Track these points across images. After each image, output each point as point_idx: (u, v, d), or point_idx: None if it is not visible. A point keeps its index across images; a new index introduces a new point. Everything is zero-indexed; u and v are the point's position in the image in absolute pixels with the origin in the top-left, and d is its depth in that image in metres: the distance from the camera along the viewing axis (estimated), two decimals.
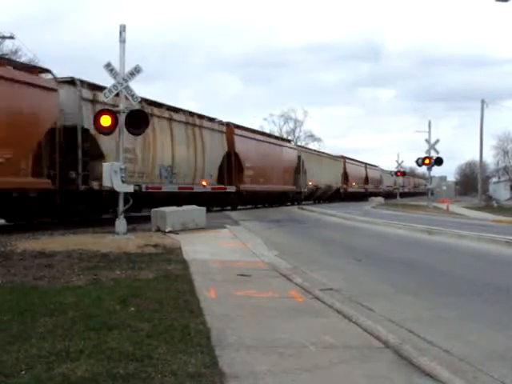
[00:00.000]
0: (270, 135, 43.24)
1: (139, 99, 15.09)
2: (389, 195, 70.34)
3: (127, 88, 14.42)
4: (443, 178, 55.26)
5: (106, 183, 14.38)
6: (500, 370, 4.64)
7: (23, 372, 4.06)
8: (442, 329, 6.08)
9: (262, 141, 36.02)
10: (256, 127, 42.83)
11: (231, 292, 7.45)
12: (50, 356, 4.39)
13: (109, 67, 14.35)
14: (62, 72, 18.07)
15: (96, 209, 19.74)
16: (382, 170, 77.19)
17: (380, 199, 56.39)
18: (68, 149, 17.56)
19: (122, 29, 14.42)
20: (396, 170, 65.57)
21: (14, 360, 4.29)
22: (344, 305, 6.78)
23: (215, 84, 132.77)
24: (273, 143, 38.16)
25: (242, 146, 31.73)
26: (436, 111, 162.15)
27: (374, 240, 16.90)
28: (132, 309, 6.11)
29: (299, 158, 42.35)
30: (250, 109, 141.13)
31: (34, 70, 17.72)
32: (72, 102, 18.03)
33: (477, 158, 59.65)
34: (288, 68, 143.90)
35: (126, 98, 14.55)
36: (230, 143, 30.36)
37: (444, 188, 54.46)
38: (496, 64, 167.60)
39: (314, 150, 52.59)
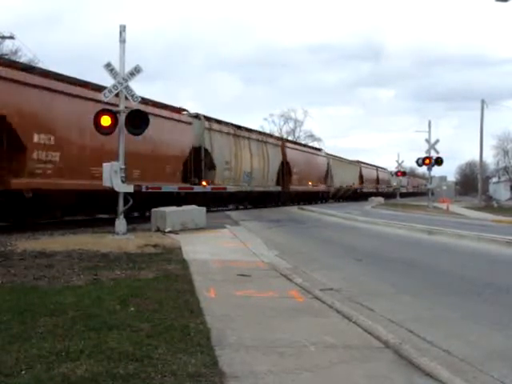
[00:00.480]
0: (309, 146, 52.97)
1: (139, 99, 15.09)
2: (390, 195, 71.44)
3: (127, 88, 14.43)
4: (443, 178, 55.16)
5: (106, 183, 14.38)
6: (500, 370, 4.64)
7: (23, 372, 4.06)
8: (442, 329, 6.08)
9: (304, 151, 45.57)
10: (256, 127, 43.74)
11: (231, 292, 7.45)
12: (50, 356, 4.39)
13: (109, 67, 14.36)
14: (61, 72, 18.02)
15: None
16: (390, 172, 77.98)
17: (380, 199, 56.45)
18: (195, 162, 26.24)
19: (122, 29, 14.43)
20: (396, 170, 65.77)
21: (14, 360, 4.29)
22: (344, 305, 6.78)
23: (215, 84, 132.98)
24: (311, 153, 48.05)
25: (291, 156, 40.26)
26: (436, 111, 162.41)
27: (374, 240, 16.90)
28: (132, 309, 6.11)
29: (328, 163, 51.19)
30: (250, 109, 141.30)
31: (179, 110, 25.51)
32: (198, 130, 26.89)
33: (477, 158, 59.77)
34: (288, 68, 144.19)
35: (126, 98, 14.56)
36: (284, 154, 39.25)
37: (444, 188, 54.40)
38: (496, 64, 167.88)
39: (338, 157, 58.80)
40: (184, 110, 26.25)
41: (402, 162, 68.74)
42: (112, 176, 14.15)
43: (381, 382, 4.21)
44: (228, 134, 30.53)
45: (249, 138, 33.36)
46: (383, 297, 7.87)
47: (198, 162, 26.39)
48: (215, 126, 28.74)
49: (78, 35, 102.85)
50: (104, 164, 14.63)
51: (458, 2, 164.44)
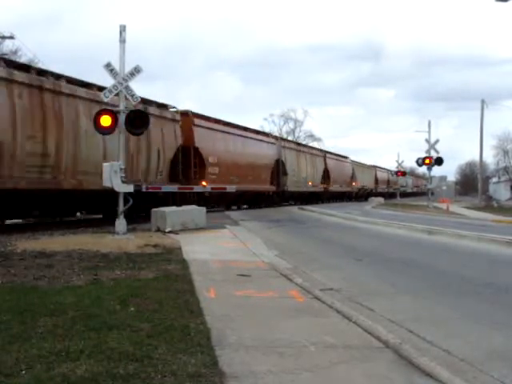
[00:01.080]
0: (340, 155, 59.43)
1: (139, 99, 15.10)
2: (390, 195, 72.53)
3: (127, 88, 14.43)
4: (443, 178, 55.16)
5: (106, 183, 14.38)
6: (500, 370, 4.64)
7: (23, 372, 4.06)
8: (441, 329, 6.08)
9: (337, 160, 56.20)
10: (256, 127, 44.47)
11: (231, 292, 7.45)
12: (50, 356, 4.39)
13: (109, 67, 14.36)
14: (62, 72, 18.07)
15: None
16: (391, 172, 79.30)
17: (380, 199, 56.50)
18: (277, 171, 37.28)
19: (122, 29, 14.43)
20: (396, 170, 65.93)
21: (14, 360, 4.29)
22: (344, 305, 6.78)
23: (215, 84, 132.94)
24: (341, 160, 57.99)
25: (329, 164, 51.96)
26: (436, 111, 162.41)
27: (374, 240, 16.90)
28: (132, 309, 6.11)
29: (353, 169, 61.82)
30: (250, 109, 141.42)
31: (267, 134, 33.66)
32: (278, 148, 38.71)
33: (477, 158, 59.75)
34: (288, 68, 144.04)
35: (126, 98, 14.57)
36: (325, 163, 51.32)
37: (444, 188, 54.43)
38: (496, 64, 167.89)
39: (360, 163, 68.93)
40: (269, 134, 41.11)
41: (402, 162, 69.11)
42: (112, 176, 14.15)
43: (381, 382, 4.21)
44: (293, 149, 43.05)
45: (304, 152, 45.70)
46: (383, 297, 7.87)
47: (278, 170, 37.94)
48: (286, 144, 42.86)
49: (78, 35, 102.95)
50: (104, 164, 14.64)
51: (458, 2, 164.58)
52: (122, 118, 14.39)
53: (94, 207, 20.83)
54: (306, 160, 45.55)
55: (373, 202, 52.66)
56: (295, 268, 10.16)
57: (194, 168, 26.44)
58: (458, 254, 13.61)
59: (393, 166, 73.04)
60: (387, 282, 9.16)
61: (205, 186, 26.23)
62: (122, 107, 14.48)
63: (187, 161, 25.72)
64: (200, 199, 25.59)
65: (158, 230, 16.17)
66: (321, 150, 54.59)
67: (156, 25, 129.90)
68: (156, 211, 16.92)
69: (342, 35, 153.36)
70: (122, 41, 14.41)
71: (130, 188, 14.89)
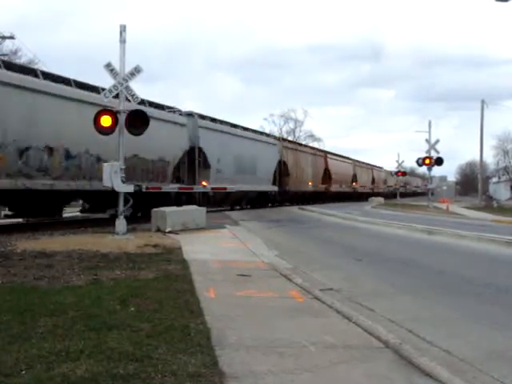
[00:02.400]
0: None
1: (139, 99, 15.10)
2: (391, 195, 72.69)
3: (127, 88, 14.43)
4: (443, 178, 55.33)
5: (106, 183, 14.38)
6: (500, 370, 4.64)
7: (23, 372, 4.06)
8: (441, 329, 6.08)
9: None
10: (256, 127, 44.82)
11: (231, 292, 7.45)
12: (50, 356, 4.39)
13: (109, 67, 14.37)
14: (62, 72, 18.08)
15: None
16: (391, 172, 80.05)
17: (380, 199, 56.45)
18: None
19: (123, 29, 14.43)
20: (396, 170, 65.99)
21: (14, 360, 4.29)
22: (344, 305, 6.78)
23: (216, 84, 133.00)
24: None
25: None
26: (436, 111, 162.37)
27: (374, 240, 16.90)
28: (132, 309, 6.11)
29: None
30: (251, 109, 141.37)
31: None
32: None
33: (477, 158, 59.81)
34: (288, 68, 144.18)
35: (127, 99, 14.56)
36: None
37: (444, 188, 54.49)
38: (496, 64, 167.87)
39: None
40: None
41: (402, 162, 69.08)
42: (112, 176, 14.16)
43: (381, 382, 4.21)
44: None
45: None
46: (383, 297, 7.87)
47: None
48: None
49: (78, 35, 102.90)
50: (104, 164, 14.65)
51: (458, 2, 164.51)
52: (122, 118, 14.40)
53: None
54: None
55: (373, 201, 52.64)
56: (295, 268, 10.16)
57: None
58: (457, 254, 13.61)
59: (393, 166, 73.27)
60: (387, 282, 9.16)
61: (205, 185, 26.24)
62: (122, 107, 14.49)
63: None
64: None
65: (158, 230, 16.16)
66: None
67: (156, 25, 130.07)
68: (156, 211, 16.92)
69: (342, 35, 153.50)
70: (122, 41, 14.41)
71: (130, 188, 14.90)
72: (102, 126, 14.25)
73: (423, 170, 57.16)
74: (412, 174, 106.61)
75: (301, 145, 51.13)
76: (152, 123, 15.91)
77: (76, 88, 18.26)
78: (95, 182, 17.57)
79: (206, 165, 26.96)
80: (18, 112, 15.41)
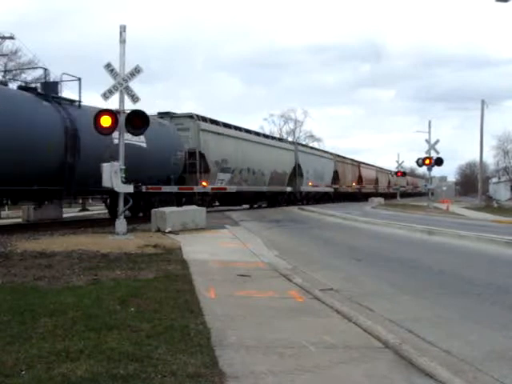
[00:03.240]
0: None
1: (139, 99, 15.09)
2: (391, 196, 73.36)
3: (127, 88, 14.43)
4: (443, 179, 55.26)
5: (107, 184, 14.38)
6: (500, 370, 4.64)
7: (23, 372, 4.06)
8: (441, 329, 6.08)
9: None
10: (256, 128, 46.08)
11: (231, 292, 7.45)
12: (49, 356, 4.39)
13: (109, 67, 14.37)
14: (60, 72, 18.10)
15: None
16: (390, 173, 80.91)
17: (380, 199, 56.46)
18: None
19: (122, 29, 14.44)
20: (396, 170, 66.13)
21: (14, 360, 4.29)
22: (344, 305, 6.78)
23: (216, 85, 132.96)
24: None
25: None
26: (436, 111, 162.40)
27: (374, 240, 16.90)
28: (132, 309, 6.11)
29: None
30: (251, 109, 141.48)
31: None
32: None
33: (477, 158, 59.81)
34: (288, 69, 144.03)
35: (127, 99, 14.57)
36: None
37: (444, 188, 54.46)
38: (496, 64, 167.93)
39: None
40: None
41: (402, 162, 69.29)
42: (112, 176, 14.15)
43: (381, 382, 4.21)
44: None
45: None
46: (383, 297, 7.87)
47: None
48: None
49: (78, 35, 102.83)
50: (104, 164, 14.64)
51: (458, 2, 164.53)
52: (122, 118, 14.40)
53: None
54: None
55: (373, 202, 52.61)
56: (295, 268, 10.16)
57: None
58: (458, 254, 13.61)
59: (393, 166, 73.59)
60: (387, 282, 9.16)
61: (205, 186, 26.30)
62: (121, 107, 14.49)
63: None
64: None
65: (158, 230, 16.17)
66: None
67: (156, 25, 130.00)
68: (156, 211, 16.92)
69: (342, 35, 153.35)
70: (122, 41, 14.41)
71: (130, 188, 14.90)
72: (102, 126, 14.26)
73: (423, 170, 57.24)
74: (412, 174, 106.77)
75: (345, 158, 61.22)
76: (279, 151, 38.75)
77: (254, 135, 35.64)
78: (263, 187, 35.07)
79: (302, 175, 43.15)
80: (237, 151, 30.32)
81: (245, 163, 31.93)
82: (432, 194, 45.78)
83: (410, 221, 23.50)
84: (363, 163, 68.20)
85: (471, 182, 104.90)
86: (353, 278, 9.52)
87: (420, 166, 44.68)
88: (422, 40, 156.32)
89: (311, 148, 56.10)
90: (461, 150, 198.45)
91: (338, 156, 58.02)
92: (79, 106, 18.48)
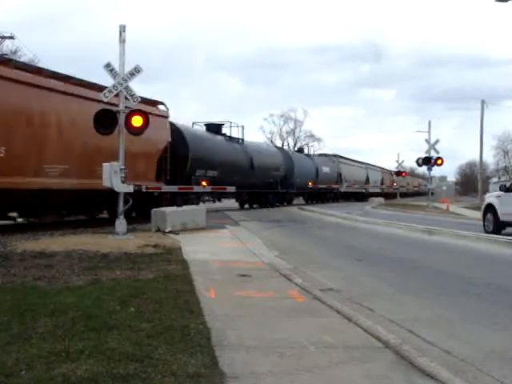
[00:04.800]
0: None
1: (139, 99, 15.10)
2: (391, 196, 73.73)
3: (127, 88, 14.43)
4: (443, 178, 55.21)
5: (106, 184, 14.38)
6: (500, 370, 4.64)
7: (23, 372, 4.06)
8: (442, 329, 6.08)
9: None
10: (256, 127, 46.21)
11: (231, 292, 7.45)
12: (49, 356, 4.39)
13: (108, 67, 14.37)
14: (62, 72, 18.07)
15: None
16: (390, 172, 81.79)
17: (380, 199, 56.47)
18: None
19: (122, 29, 14.43)
20: (396, 170, 66.17)
21: (14, 360, 4.29)
22: (344, 305, 6.78)
23: (216, 85, 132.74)
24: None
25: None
26: (436, 111, 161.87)
27: (374, 240, 16.90)
28: (132, 309, 6.11)
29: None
30: (251, 109, 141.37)
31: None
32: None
33: (477, 158, 59.76)
34: (288, 69, 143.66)
35: (126, 98, 14.56)
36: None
37: (444, 188, 54.41)
38: (496, 64, 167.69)
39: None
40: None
41: (402, 162, 69.29)
42: (112, 176, 14.15)
43: (381, 383, 4.21)
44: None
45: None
46: (383, 297, 7.86)
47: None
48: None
49: (78, 35, 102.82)
50: (104, 164, 14.64)
51: (458, 2, 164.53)
52: (121, 117, 14.40)
53: None
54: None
55: (373, 202, 52.57)
56: (295, 268, 10.15)
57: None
58: (457, 254, 13.61)
59: (393, 166, 73.73)
60: (387, 282, 9.16)
61: (205, 186, 26.29)
62: (121, 107, 14.49)
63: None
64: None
65: (158, 230, 16.16)
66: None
67: (156, 25, 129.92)
68: (156, 211, 16.92)
69: (342, 36, 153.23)
70: (122, 41, 14.41)
71: (130, 188, 14.90)
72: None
73: (423, 170, 57.24)
74: (412, 174, 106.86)
75: (354, 160, 65.09)
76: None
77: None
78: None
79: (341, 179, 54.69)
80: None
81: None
82: (432, 193, 45.78)
83: (410, 221, 23.50)
84: (370, 165, 71.91)
85: (471, 182, 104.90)
86: (353, 278, 9.52)
87: (420, 165, 44.68)
88: (422, 40, 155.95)
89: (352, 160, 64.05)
90: (461, 149, 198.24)
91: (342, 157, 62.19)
92: (242, 142, 33.72)
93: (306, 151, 55.45)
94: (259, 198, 36.19)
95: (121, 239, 13.67)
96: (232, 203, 35.30)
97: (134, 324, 5.42)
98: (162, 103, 23.38)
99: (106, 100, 14.68)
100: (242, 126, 33.45)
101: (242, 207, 35.69)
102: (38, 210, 17.43)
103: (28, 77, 15.75)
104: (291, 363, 4.51)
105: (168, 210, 17.06)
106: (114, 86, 14.38)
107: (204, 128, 31.28)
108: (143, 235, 14.86)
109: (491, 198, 19.20)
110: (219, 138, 31.06)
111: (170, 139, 22.82)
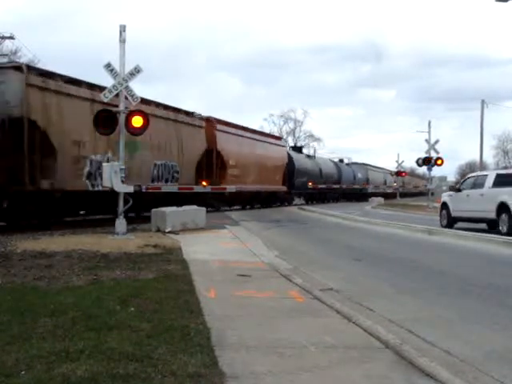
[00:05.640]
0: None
1: (139, 99, 15.10)
2: (391, 196, 74.00)
3: (127, 88, 14.43)
4: (443, 178, 55.16)
5: (106, 184, 14.38)
6: (500, 370, 4.64)
7: (23, 372, 4.06)
8: (442, 329, 6.08)
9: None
10: (256, 127, 46.19)
11: (231, 292, 7.45)
12: (50, 356, 4.39)
13: (109, 67, 14.36)
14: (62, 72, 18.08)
15: None
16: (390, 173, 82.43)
17: (380, 199, 56.43)
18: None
19: (122, 29, 14.43)
20: (396, 170, 66.19)
21: (14, 360, 4.29)
22: (344, 305, 6.78)
23: (216, 85, 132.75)
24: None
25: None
26: (436, 111, 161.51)
27: (374, 240, 16.90)
28: (132, 309, 6.11)
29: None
30: (251, 109, 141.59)
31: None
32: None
33: (477, 158, 59.68)
34: (288, 69, 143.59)
35: (126, 98, 14.56)
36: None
37: (444, 188, 54.34)
38: (496, 64, 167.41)
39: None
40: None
41: (402, 162, 69.29)
42: (112, 176, 14.15)
43: (381, 383, 4.21)
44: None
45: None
46: (383, 297, 7.87)
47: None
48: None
49: (78, 35, 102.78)
50: (104, 164, 14.65)
51: (458, 2, 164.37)
52: (122, 118, 14.40)
53: None
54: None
55: (373, 202, 52.52)
56: (295, 268, 10.15)
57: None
58: (457, 254, 13.61)
59: (393, 166, 73.81)
60: (387, 282, 9.16)
61: (205, 186, 26.36)
62: (122, 107, 14.49)
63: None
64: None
65: (158, 230, 16.16)
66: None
67: (156, 25, 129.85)
68: (156, 211, 16.92)
69: (342, 36, 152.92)
70: (122, 41, 14.41)
71: (130, 189, 14.90)
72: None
73: (423, 170, 57.25)
74: (412, 174, 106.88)
75: (374, 166, 73.26)
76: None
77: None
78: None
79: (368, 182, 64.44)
80: None
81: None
82: (432, 193, 45.77)
83: (409, 221, 23.51)
84: (371, 166, 75.88)
85: None
86: (353, 278, 9.53)
87: (420, 165, 44.68)
88: (422, 40, 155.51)
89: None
90: (461, 150, 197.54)
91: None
92: (314, 157, 52.04)
93: (305, 151, 59.34)
94: (325, 196, 54.27)
95: (121, 239, 13.67)
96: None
97: (134, 324, 5.42)
98: (281, 138, 38.94)
99: (105, 100, 14.68)
100: (314, 148, 48.72)
101: (306, 203, 48.45)
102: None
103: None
104: (291, 363, 4.51)
105: (168, 210, 17.05)
106: (114, 86, 14.38)
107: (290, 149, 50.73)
108: (143, 235, 14.86)
109: (445, 197, 21.37)
110: (302, 155, 50.40)
111: (287, 160, 40.58)
